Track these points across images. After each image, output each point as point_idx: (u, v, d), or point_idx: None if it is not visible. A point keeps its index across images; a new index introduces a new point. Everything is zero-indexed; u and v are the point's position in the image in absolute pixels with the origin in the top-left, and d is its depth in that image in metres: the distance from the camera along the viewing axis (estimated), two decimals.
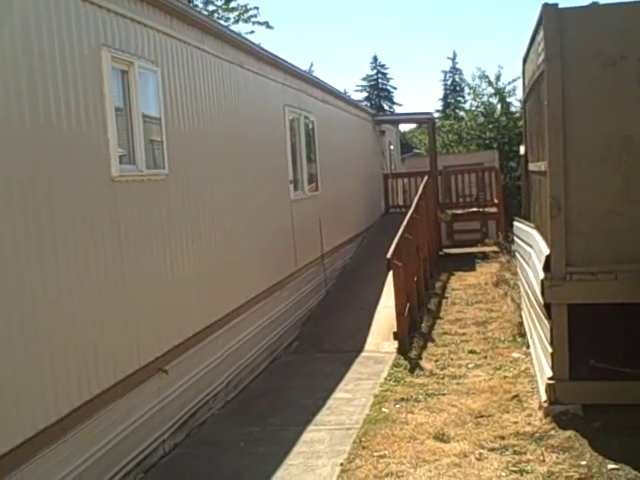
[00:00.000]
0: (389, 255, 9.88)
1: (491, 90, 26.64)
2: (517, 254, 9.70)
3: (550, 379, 6.32)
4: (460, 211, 19.74)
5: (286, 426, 6.87)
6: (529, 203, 9.10)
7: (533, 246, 7.76)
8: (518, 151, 25.93)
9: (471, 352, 9.37)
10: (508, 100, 26.51)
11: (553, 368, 6.31)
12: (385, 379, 8.27)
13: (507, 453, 5.76)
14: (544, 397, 6.43)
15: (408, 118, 23.13)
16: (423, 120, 21.66)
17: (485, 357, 9.05)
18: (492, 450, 5.85)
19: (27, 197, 4.66)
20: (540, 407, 6.49)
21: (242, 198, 8.77)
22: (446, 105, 60.78)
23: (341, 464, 5.81)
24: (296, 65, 11.76)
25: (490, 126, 26.68)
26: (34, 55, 4.79)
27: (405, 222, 12.29)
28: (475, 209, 19.68)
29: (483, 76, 26.56)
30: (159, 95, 6.68)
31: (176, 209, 6.86)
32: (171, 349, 6.54)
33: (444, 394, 7.47)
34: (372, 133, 19.88)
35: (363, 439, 6.32)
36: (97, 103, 5.59)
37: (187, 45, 7.49)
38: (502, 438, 6.07)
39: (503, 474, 5.38)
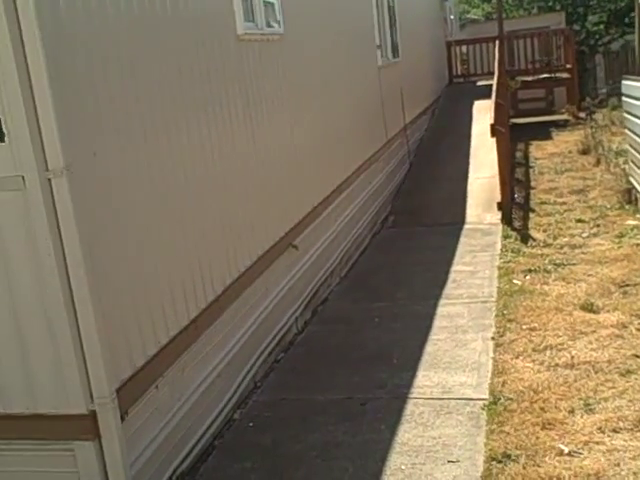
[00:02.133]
0: (491, 121, 9.33)
1: None
2: (629, 116, 9.05)
3: None
4: (530, 78, 18.79)
5: (416, 300, 6.58)
6: None
7: None
8: (583, 13, 24.74)
9: (579, 221, 8.94)
10: None
11: None
12: (501, 250, 7.91)
13: None
14: None
15: None
16: None
17: (598, 225, 8.62)
18: None
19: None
20: None
21: (341, 63, 8.20)
22: None
23: (492, 338, 5.53)
24: None
25: None
26: None
27: (494, 87, 11.66)
28: (546, 75, 18.72)
29: None
30: None
31: (290, 73, 6.35)
32: (298, 223, 6.20)
33: (574, 264, 7.10)
34: None
35: (505, 312, 6.02)
36: None
37: None
38: None
39: None
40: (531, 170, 12.74)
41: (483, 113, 15.41)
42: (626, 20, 25.04)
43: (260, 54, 5.65)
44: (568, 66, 18.57)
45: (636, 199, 9.13)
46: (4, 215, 3.12)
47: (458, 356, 5.28)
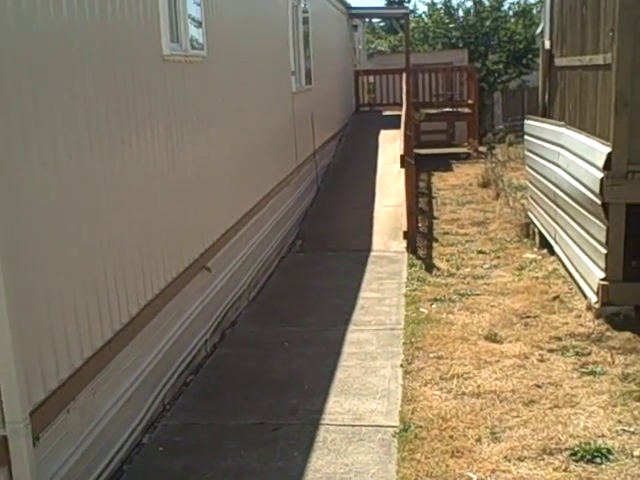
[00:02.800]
0: (401, 152, 9.57)
1: None
2: (530, 154, 9.47)
3: (603, 280, 6.21)
4: (434, 111, 19.40)
5: (325, 326, 6.63)
6: (554, 101, 8.81)
7: (565, 145, 7.53)
8: (484, 52, 25.75)
9: (480, 252, 9.27)
10: None
11: (607, 269, 6.18)
12: (407, 279, 8.08)
13: (569, 354, 5.67)
14: (594, 298, 6.34)
15: (384, 13, 22.44)
16: (399, 15, 20.98)
17: (498, 257, 8.95)
18: (552, 351, 5.76)
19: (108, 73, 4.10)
20: (589, 308, 6.40)
21: (257, 87, 8.23)
22: (390, 4, 59.29)
23: (401, 365, 5.63)
24: None
25: (454, 25, 26.13)
26: None
27: (403, 119, 11.97)
28: (449, 109, 19.37)
29: None
30: None
31: (210, 94, 6.32)
32: (211, 245, 6.15)
33: (477, 294, 7.33)
34: (347, 27, 19.13)
35: (413, 340, 6.14)
36: None
37: None
38: (558, 339, 5.97)
39: (575, 375, 5.28)
40: (434, 200, 13.12)
41: (389, 142, 15.81)
42: (523, 61, 26.24)
43: (183, 74, 5.61)
44: (470, 101, 19.27)
45: (534, 233, 9.54)
46: None
47: (368, 383, 5.34)
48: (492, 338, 6.08)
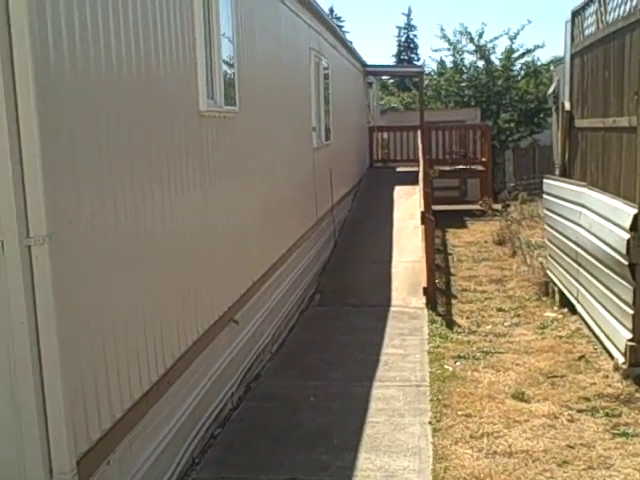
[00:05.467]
0: (422, 209, 9.66)
1: (472, 47, 26.35)
2: (550, 213, 9.53)
3: (630, 340, 6.19)
4: (447, 168, 19.57)
5: (350, 381, 6.61)
6: (575, 161, 8.90)
7: (587, 205, 7.59)
8: (496, 110, 26.06)
9: (500, 310, 9.27)
10: (488, 58, 26.32)
11: (634, 330, 6.17)
12: (429, 335, 8.07)
13: (599, 415, 5.62)
14: (621, 359, 6.31)
15: (399, 71, 22.78)
16: (414, 74, 21.33)
17: (518, 315, 8.95)
18: (581, 412, 5.71)
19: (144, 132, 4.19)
20: (616, 369, 6.37)
21: (281, 142, 8.36)
22: (399, 62, 60.35)
23: (429, 422, 5.59)
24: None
25: (466, 84, 26.50)
26: None
27: (421, 176, 12.11)
28: (462, 166, 19.54)
29: (465, 32, 26.20)
30: (231, 24, 6.17)
31: (241, 146, 6.44)
32: (240, 297, 6.18)
33: (501, 352, 7.31)
34: (362, 84, 19.46)
35: (440, 397, 6.11)
36: (188, 29, 5.09)
37: None
38: (587, 399, 5.93)
39: (607, 437, 5.24)
40: (450, 257, 13.14)
41: (404, 198, 15.96)
42: (535, 120, 26.52)
43: (217, 129, 5.72)
44: (483, 159, 19.45)
45: (553, 292, 9.53)
46: None
47: (397, 440, 5.30)
48: (520, 397, 6.05)
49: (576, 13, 8.75)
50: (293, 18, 9.38)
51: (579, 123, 8.61)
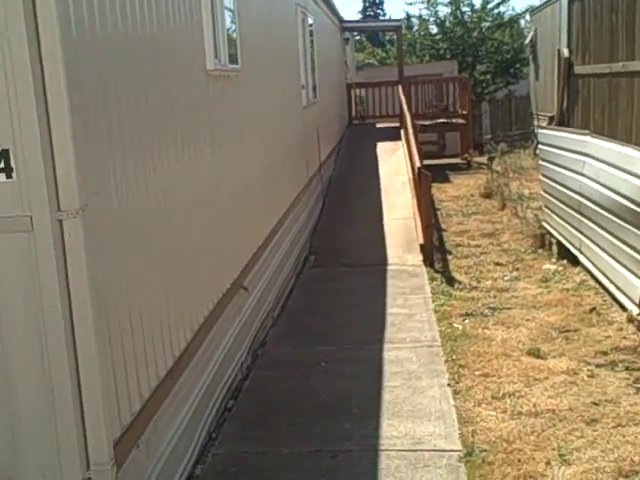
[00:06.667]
0: (418, 165, 9.47)
1: None
2: (547, 164, 9.37)
3: None
4: (427, 122, 19.31)
5: (359, 344, 6.46)
6: (575, 110, 8.73)
7: (592, 154, 7.44)
8: (472, 62, 25.78)
9: (497, 264, 9.18)
10: (463, 9, 25.98)
11: None
12: (432, 293, 7.94)
13: (618, 369, 5.54)
14: (636, 310, 6.23)
15: (376, 26, 22.36)
16: (390, 28, 20.93)
17: (517, 269, 8.85)
18: (600, 366, 5.62)
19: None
20: (630, 320, 6.29)
21: (277, 101, 8.10)
22: (365, 17, 59.47)
23: (448, 384, 5.47)
24: None
25: (440, 36, 26.18)
26: None
27: (411, 131, 11.89)
28: (444, 120, 19.29)
29: None
30: None
31: (243, 105, 6.19)
32: (247, 263, 5.97)
33: (508, 308, 7.20)
34: (340, 40, 19.06)
35: (454, 357, 5.99)
36: None
37: None
38: (604, 353, 5.84)
39: (631, 391, 5.15)
40: (438, 212, 13.00)
41: (388, 155, 15.76)
42: (511, 71, 26.33)
43: (222, 88, 5.46)
44: (464, 112, 19.23)
45: (550, 244, 9.45)
46: (5, 260, 2.75)
47: (419, 404, 5.17)
48: (535, 354, 5.94)
49: None
50: None
51: (580, 70, 8.41)
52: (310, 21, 11.54)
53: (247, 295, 5.93)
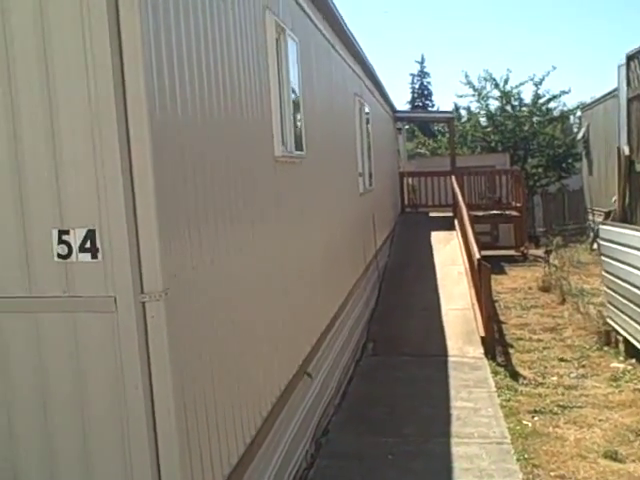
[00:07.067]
0: (478, 256, 9.36)
1: (497, 93, 26.27)
2: (610, 260, 9.17)
3: None
4: (480, 213, 19.24)
5: (425, 437, 6.22)
6: (638, 207, 8.59)
7: None
8: (523, 156, 25.86)
9: (562, 360, 8.89)
10: (514, 104, 26.23)
11: None
12: (497, 387, 7.68)
13: None
14: None
15: (429, 117, 22.66)
16: (443, 119, 21.18)
17: (583, 366, 8.55)
18: None
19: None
20: None
21: (336, 187, 8.13)
22: (414, 108, 60.53)
23: None
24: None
25: (492, 129, 26.38)
26: None
27: (467, 223, 11.83)
28: (497, 212, 19.20)
29: (490, 78, 26.16)
30: (297, 71, 5.96)
31: (306, 191, 6.21)
32: (311, 349, 5.85)
33: (579, 407, 6.91)
34: (393, 129, 19.31)
35: (526, 456, 5.72)
36: (263, 76, 4.88)
37: (307, 17, 6.79)
38: None
39: None
40: (496, 304, 12.76)
41: (442, 244, 15.66)
42: (563, 165, 26.33)
43: (288, 174, 5.49)
44: (518, 205, 19.13)
45: (616, 341, 9.14)
46: (88, 340, 2.70)
47: None
48: (613, 457, 5.65)
49: (632, 57, 8.56)
50: (341, 64, 9.22)
51: None
52: (367, 110, 11.70)
53: (310, 382, 5.78)
